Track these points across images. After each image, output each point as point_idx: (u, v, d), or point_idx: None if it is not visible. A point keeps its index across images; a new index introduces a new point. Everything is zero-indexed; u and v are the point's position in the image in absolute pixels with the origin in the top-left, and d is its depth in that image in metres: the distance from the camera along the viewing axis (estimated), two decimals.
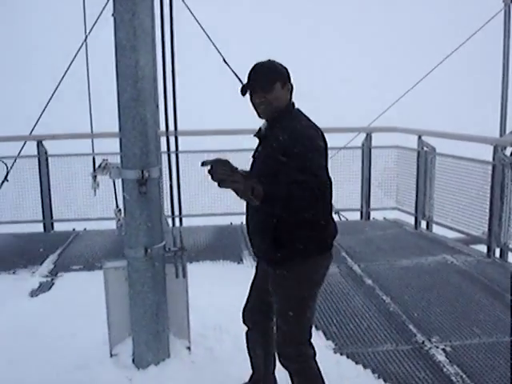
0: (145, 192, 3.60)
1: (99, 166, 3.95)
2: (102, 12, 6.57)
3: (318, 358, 3.19)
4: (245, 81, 3.00)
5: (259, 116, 3.03)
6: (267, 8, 30.31)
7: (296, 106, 3.03)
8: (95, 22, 6.38)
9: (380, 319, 4.98)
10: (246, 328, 3.50)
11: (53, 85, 7.81)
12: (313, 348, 3.18)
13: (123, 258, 3.92)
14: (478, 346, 4.48)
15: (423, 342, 4.52)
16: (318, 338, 4.58)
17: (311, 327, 3.20)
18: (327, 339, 4.58)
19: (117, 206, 3.98)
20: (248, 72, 3.00)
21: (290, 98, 3.05)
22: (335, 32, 29.88)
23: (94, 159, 4.00)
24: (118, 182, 3.85)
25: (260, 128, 3.14)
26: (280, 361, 3.21)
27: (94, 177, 3.95)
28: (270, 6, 30.36)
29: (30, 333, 4.70)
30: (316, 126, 2.95)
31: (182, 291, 4.03)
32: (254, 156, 3.15)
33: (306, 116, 3.02)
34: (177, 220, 7.31)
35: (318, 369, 3.18)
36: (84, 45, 4.36)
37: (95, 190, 4.02)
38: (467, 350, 4.41)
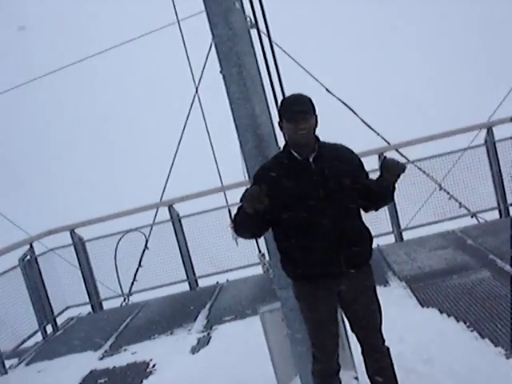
0: None
1: None
2: (203, 69, 6.87)
3: (490, 367, 3.10)
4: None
5: (303, 145, 3.22)
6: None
7: None
8: (201, 76, 6.64)
9: None
10: None
11: (170, 149, 8.23)
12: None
13: (274, 301, 4.01)
14: None
15: None
16: (485, 347, 4.45)
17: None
18: (496, 346, 4.41)
19: (259, 251, 4.09)
20: (289, 103, 3.21)
21: None
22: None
23: (229, 211, 4.14)
24: None
25: (295, 158, 3.27)
26: None
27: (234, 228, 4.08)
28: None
29: None
30: None
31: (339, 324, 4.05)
32: (309, 178, 3.24)
33: None
34: None
35: None
36: (196, 100, 4.56)
37: (236, 240, 4.16)
38: None
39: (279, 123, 3.28)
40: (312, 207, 3.20)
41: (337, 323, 3.53)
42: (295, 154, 3.27)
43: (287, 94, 3.91)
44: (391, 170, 3.20)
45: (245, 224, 3.26)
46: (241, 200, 3.11)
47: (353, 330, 3.58)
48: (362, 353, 3.62)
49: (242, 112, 3.62)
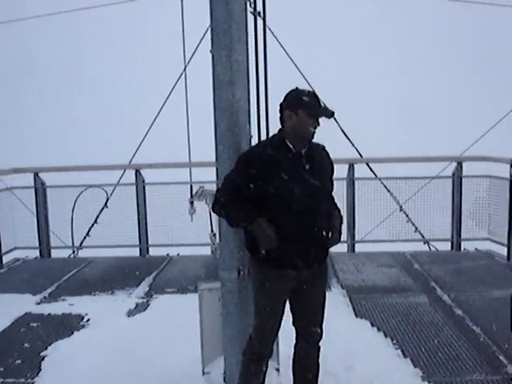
0: None
1: (196, 193, 4.21)
2: (198, 45, 6.94)
3: None
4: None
5: (304, 139, 3.36)
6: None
7: None
8: (193, 54, 6.73)
9: (469, 349, 4.94)
10: None
11: (152, 114, 8.27)
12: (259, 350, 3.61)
13: (217, 281, 4.12)
14: None
15: None
16: (405, 365, 4.63)
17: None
18: (415, 367, 4.59)
19: (212, 231, 4.20)
20: (313, 98, 3.32)
21: None
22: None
23: (191, 187, 4.23)
24: None
25: (289, 149, 3.37)
26: None
27: (191, 203, 4.19)
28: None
29: (127, 350, 4.99)
30: None
31: None
32: (299, 172, 3.36)
33: None
34: None
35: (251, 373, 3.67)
36: (183, 76, 4.63)
37: (192, 216, 4.26)
38: None
39: (287, 111, 3.32)
40: (297, 199, 3.29)
41: (283, 313, 3.58)
42: (290, 145, 3.36)
43: (271, 85, 4.04)
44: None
45: (237, 217, 3.40)
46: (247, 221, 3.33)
47: (294, 323, 3.67)
48: (296, 346, 3.74)
49: (223, 94, 3.72)
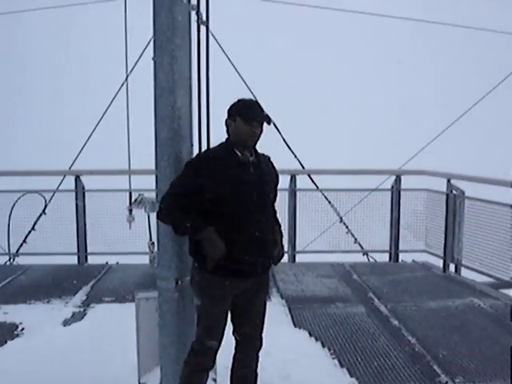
0: None
1: (135, 201, 4.15)
2: (142, 54, 6.90)
3: None
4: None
5: (246, 145, 3.42)
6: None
7: None
8: (136, 63, 6.69)
9: (405, 359, 5.03)
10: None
11: (93, 120, 8.15)
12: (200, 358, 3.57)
13: (155, 290, 4.07)
14: None
15: (447, 383, 4.56)
16: (342, 375, 4.67)
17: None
18: (351, 376, 4.65)
19: (150, 239, 4.15)
20: (250, 106, 3.44)
21: None
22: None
23: (130, 194, 4.18)
24: (153, 216, 4.02)
25: (238, 156, 3.42)
26: None
27: (130, 210, 4.13)
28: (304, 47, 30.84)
29: (62, 360, 4.86)
30: None
31: None
32: (247, 179, 3.40)
33: None
34: None
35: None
36: (125, 85, 4.59)
37: (130, 223, 4.20)
38: None
39: (228, 120, 3.43)
40: (245, 206, 3.33)
41: (226, 323, 3.59)
42: (238, 153, 3.40)
43: (217, 94, 4.03)
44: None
45: (184, 226, 3.39)
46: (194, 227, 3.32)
47: (234, 332, 3.68)
48: (235, 356, 3.74)
49: (164, 102, 3.68)
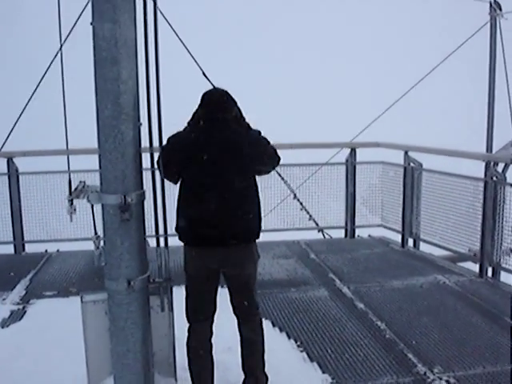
0: (127, 219, 3.26)
1: (76, 189, 3.62)
2: (77, 19, 6.22)
3: None
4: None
5: None
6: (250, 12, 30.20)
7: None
8: (71, 30, 6.02)
9: (377, 348, 4.69)
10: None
11: (25, 97, 7.43)
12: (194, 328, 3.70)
13: (102, 290, 3.57)
14: (482, 377, 4.22)
15: (425, 373, 4.24)
16: (313, 371, 4.31)
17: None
18: (323, 372, 4.27)
19: (95, 233, 3.63)
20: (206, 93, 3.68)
21: None
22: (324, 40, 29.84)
23: (70, 181, 3.63)
24: (97, 207, 3.51)
25: None
26: None
27: (71, 201, 3.60)
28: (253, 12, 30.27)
29: (1, 367, 4.31)
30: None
31: (168, 326, 3.71)
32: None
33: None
34: (161, 240, 6.95)
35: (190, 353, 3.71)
36: (59, 55, 4.00)
37: (71, 215, 3.67)
38: (472, 382, 4.14)
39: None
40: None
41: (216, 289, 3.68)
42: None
43: (162, 63, 3.52)
44: None
45: None
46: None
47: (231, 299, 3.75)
48: (239, 325, 3.79)
49: (106, 74, 3.14)
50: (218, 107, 3.54)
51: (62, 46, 4.22)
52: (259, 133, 3.66)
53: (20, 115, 7.14)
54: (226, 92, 3.64)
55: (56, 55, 5.17)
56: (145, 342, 3.50)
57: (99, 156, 3.34)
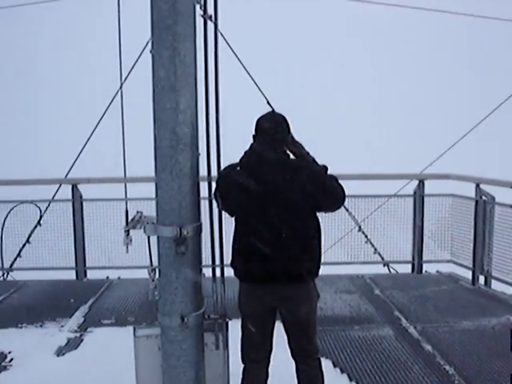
0: (183, 252, 3.14)
1: (133, 219, 3.54)
2: (140, 55, 6.26)
3: None
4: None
5: None
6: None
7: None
8: (133, 66, 6.06)
9: None
10: None
11: (89, 127, 7.54)
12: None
13: (156, 324, 3.44)
14: None
15: None
16: None
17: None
18: None
19: (151, 265, 3.52)
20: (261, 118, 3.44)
21: None
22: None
23: (126, 211, 3.57)
24: (153, 239, 3.40)
25: None
26: None
27: (127, 231, 3.51)
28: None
29: None
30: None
31: (223, 365, 3.54)
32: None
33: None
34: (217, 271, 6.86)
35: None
36: (122, 89, 3.99)
37: (127, 246, 3.59)
38: None
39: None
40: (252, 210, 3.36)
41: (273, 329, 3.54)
42: None
43: (222, 92, 3.41)
44: None
45: None
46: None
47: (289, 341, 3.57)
48: (297, 370, 3.60)
49: (165, 103, 3.05)
50: (273, 139, 3.32)
51: (122, 85, 4.20)
52: (326, 169, 3.40)
53: (85, 144, 7.23)
54: (283, 118, 3.40)
55: (117, 93, 5.16)
56: (198, 382, 3.34)
57: (156, 186, 3.25)
